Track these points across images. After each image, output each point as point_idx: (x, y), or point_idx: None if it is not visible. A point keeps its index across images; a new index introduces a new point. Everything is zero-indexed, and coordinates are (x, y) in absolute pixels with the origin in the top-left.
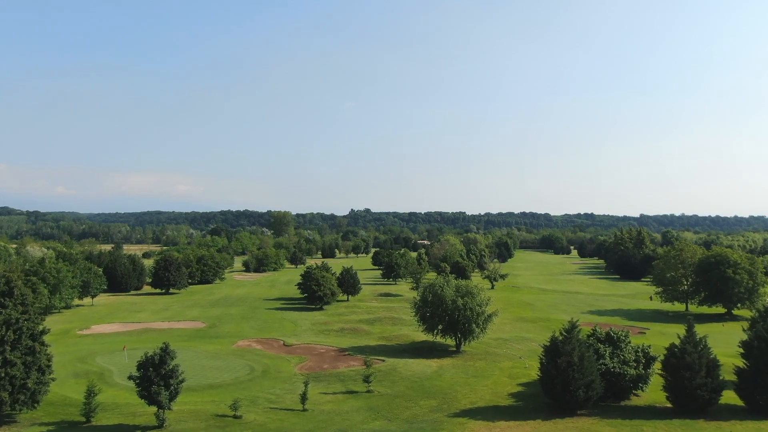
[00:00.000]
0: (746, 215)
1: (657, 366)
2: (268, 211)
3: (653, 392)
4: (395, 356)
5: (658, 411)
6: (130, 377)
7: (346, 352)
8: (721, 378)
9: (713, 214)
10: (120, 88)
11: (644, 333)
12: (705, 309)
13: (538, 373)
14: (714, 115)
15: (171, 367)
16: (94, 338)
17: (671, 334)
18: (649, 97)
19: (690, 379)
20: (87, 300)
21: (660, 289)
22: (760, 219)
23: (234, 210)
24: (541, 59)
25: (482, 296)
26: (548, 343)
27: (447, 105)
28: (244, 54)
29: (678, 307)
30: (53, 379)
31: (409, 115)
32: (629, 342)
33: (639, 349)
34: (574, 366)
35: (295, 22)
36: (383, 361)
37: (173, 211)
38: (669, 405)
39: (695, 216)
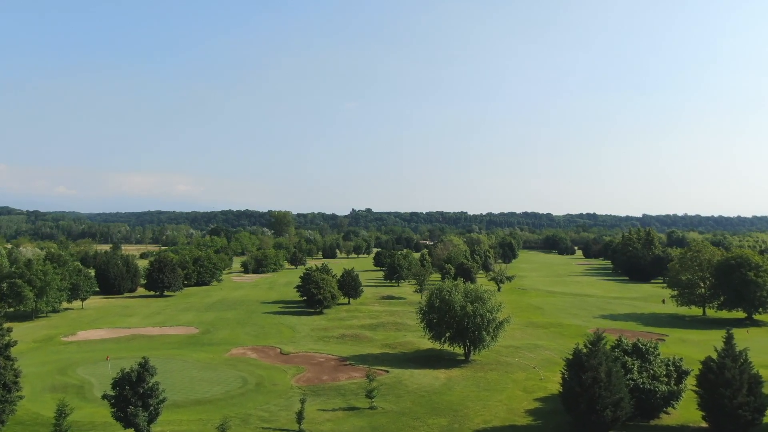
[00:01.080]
0: (749, 215)
1: (690, 381)
2: (268, 211)
3: (685, 410)
4: (400, 366)
5: None
6: (104, 396)
7: (347, 362)
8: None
9: (716, 214)
10: (120, 88)
11: (663, 340)
12: (724, 314)
13: (559, 389)
14: (714, 115)
15: (150, 384)
16: (79, 345)
17: (692, 341)
18: (649, 97)
19: (730, 397)
20: (77, 303)
21: (675, 292)
22: (763, 219)
23: (234, 210)
24: (541, 59)
25: (493, 302)
26: (571, 356)
27: (447, 105)
28: (244, 54)
29: (695, 311)
30: (21, 397)
31: (410, 115)
32: (658, 354)
33: (669, 362)
34: (600, 383)
35: (295, 22)
36: (387, 372)
37: (174, 211)
38: (704, 425)
39: (698, 216)
